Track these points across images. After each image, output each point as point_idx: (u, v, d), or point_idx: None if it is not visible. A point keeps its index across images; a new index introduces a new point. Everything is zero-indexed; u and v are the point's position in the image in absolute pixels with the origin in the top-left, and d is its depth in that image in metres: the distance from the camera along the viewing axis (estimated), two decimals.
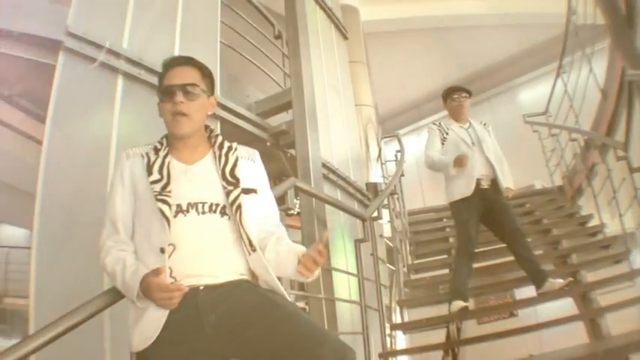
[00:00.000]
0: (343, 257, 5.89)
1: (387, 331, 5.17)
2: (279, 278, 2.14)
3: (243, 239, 2.09)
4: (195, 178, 2.16)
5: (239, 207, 2.10)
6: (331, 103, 7.25)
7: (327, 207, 5.49)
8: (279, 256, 2.15)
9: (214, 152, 2.24)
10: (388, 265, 7.32)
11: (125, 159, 2.21)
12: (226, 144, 2.28)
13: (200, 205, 2.08)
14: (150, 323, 1.93)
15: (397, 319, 5.83)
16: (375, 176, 9.58)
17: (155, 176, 2.10)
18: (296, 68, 6.17)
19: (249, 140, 5.27)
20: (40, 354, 2.13)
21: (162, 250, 1.97)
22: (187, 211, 2.06)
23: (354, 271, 5.07)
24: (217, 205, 2.10)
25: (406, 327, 5.50)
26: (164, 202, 2.03)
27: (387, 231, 7.49)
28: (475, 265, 5.17)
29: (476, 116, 5.54)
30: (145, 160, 2.16)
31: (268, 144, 6.12)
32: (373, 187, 8.45)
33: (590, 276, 5.21)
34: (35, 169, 3.47)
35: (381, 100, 12.83)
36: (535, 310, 5.33)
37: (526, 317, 5.48)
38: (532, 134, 8.86)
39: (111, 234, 2.12)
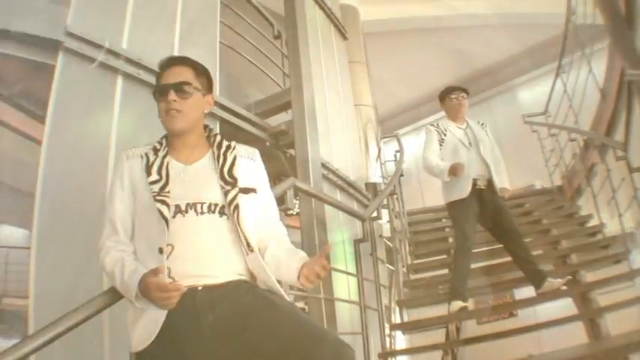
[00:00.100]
0: (343, 257, 5.89)
1: (387, 331, 5.18)
2: (278, 279, 2.14)
3: (241, 239, 2.09)
4: (194, 178, 2.16)
5: (236, 207, 2.10)
6: (331, 103, 7.25)
7: (327, 207, 5.49)
8: (280, 263, 2.15)
9: (213, 152, 2.25)
10: (387, 265, 7.32)
11: (124, 160, 2.21)
12: (225, 143, 2.29)
13: (199, 206, 2.08)
14: (149, 323, 1.93)
15: (396, 319, 5.83)
16: (375, 176, 9.58)
17: (154, 177, 2.10)
18: (295, 68, 6.17)
19: (248, 140, 5.27)
20: (40, 354, 2.12)
21: (161, 251, 1.98)
22: (186, 212, 2.06)
23: (354, 272, 5.08)
24: (216, 205, 2.11)
25: (405, 327, 5.50)
26: (163, 202, 2.03)
27: (386, 231, 7.49)
28: (474, 265, 5.17)
29: (475, 116, 5.55)
30: (145, 160, 2.16)
31: (268, 144, 6.11)
32: (372, 187, 8.45)
33: (589, 276, 5.21)
34: (35, 169, 3.47)
35: (381, 100, 12.83)
36: (534, 310, 5.34)
37: (525, 317, 5.49)
38: (531, 134, 8.87)
39: (110, 234, 2.13)
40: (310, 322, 1.99)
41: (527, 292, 5.10)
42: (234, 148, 2.28)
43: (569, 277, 4.85)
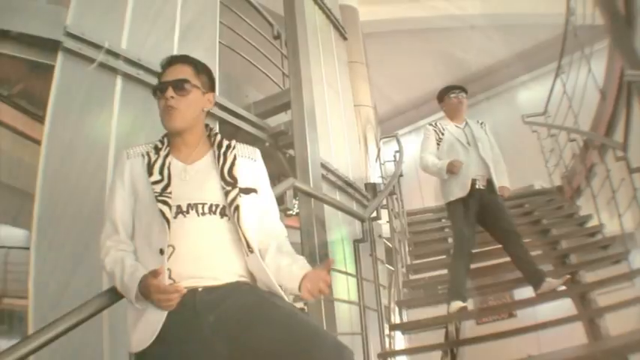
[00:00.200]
0: (342, 258, 5.89)
1: (386, 331, 5.18)
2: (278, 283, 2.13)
3: (242, 240, 2.09)
4: (195, 178, 2.15)
5: (237, 208, 2.10)
6: (330, 103, 7.26)
7: (326, 207, 5.49)
8: (280, 270, 2.13)
9: (214, 151, 2.24)
10: (387, 265, 7.32)
11: (125, 159, 2.21)
12: (225, 142, 2.28)
13: (200, 206, 2.08)
14: (149, 324, 1.93)
15: (396, 319, 5.82)
16: (374, 176, 9.58)
17: (156, 177, 2.10)
18: (295, 68, 6.17)
19: (247, 141, 5.26)
20: (39, 354, 2.12)
21: (162, 252, 1.97)
22: (187, 212, 2.06)
23: (353, 272, 5.07)
24: (217, 205, 2.10)
25: (405, 327, 5.49)
26: (165, 203, 2.03)
27: (385, 231, 7.49)
28: (474, 266, 5.17)
29: (475, 117, 5.54)
30: (146, 159, 2.16)
31: (267, 144, 6.12)
32: (372, 188, 8.46)
33: (589, 276, 5.21)
34: (34, 170, 3.47)
35: (380, 101, 12.83)
36: (534, 310, 5.33)
37: (525, 317, 5.48)
38: (531, 134, 8.87)
39: (110, 234, 2.13)
40: (310, 323, 1.98)
41: (527, 292, 5.09)
42: (234, 148, 2.27)
43: (568, 276, 4.84)
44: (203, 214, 2.08)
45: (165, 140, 2.24)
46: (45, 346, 2.10)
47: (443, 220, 7.92)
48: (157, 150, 2.20)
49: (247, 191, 2.18)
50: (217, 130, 2.34)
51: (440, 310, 5.23)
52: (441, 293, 5.70)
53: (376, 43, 13.40)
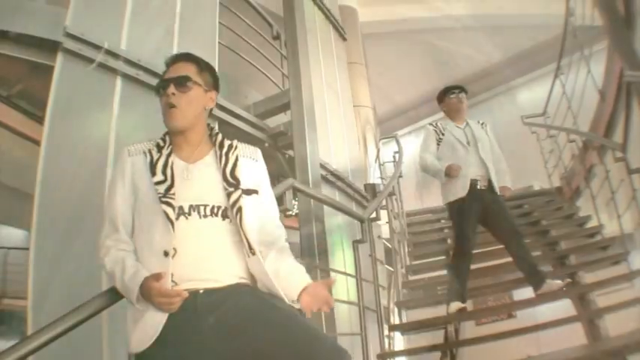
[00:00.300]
0: (341, 258, 5.89)
1: (386, 332, 5.17)
2: None
3: (243, 242, 2.08)
4: (197, 178, 2.13)
5: (239, 210, 2.08)
6: (329, 104, 7.26)
7: (326, 208, 5.50)
8: (279, 276, 2.11)
9: (215, 152, 2.22)
10: (386, 266, 7.32)
11: (127, 156, 2.18)
12: (227, 142, 2.26)
13: (202, 208, 2.06)
14: (149, 325, 1.92)
15: (395, 320, 5.83)
16: (374, 177, 9.58)
17: (159, 177, 2.07)
18: (294, 69, 6.18)
19: (247, 141, 5.28)
20: (39, 355, 2.12)
21: (166, 254, 1.96)
22: (189, 214, 2.04)
23: (353, 272, 5.07)
24: (219, 207, 2.08)
25: (404, 328, 5.50)
26: (168, 204, 2.01)
27: (385, 232, 7.49)
28: (473, 266, 5.16)
29: (474, 117, 5.53)
30: (148, 158, 2.14)
31: (266, 145, 6.12)
32: (371, 188, 8.45)
33: (588, 277, 5.21)
34: (33, 170, 3.47)
35: (380, 101, 12.84)
36: (533, 311, 5.33)
37: (524, 318, 5.48)
38: (530, 135, 8.87)
39: (110, 232, 2.10)
40: (309, 326, 1.98)
41: (526, 293, 5.09)
42: (236, 148, 2.25)
43: (569, 280, 4.84)
44: (205, 216, 2.06)
45: (167, 138, 2.22)
46: (44, 346, 2.10)
47: (442, 221, 7.93)
48: (159, 148, 2.18)
49: (249, 192, 2.16)
50: (218, 130, 2.33)
51: (439, 311, 5.23)
52: (441, 294, 5.71)
53: (376, 43, 13.42)
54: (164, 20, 4.68)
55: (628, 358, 3.66)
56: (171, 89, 2.15)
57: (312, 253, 5.38)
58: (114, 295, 2.20)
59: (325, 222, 5.64)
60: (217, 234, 2.07)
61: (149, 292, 1.88)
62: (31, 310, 3.14)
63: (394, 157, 8.53)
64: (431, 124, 5.47)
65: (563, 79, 8.24)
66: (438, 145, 5.23)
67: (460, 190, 4.98)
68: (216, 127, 2.32)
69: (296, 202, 5.49)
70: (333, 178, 6.53)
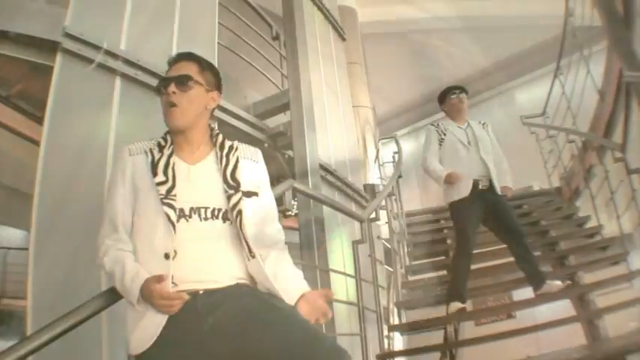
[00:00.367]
0: (341, 258, 5.89)
1: (385, 332, 5.18)
2: None
3: (243, 245, 2.07)
4: (198, 179, 2.13)
5: (239, 212, 2.07)
6: (329, 104, 7.26)
7: (325, 208, 5.49)
8: (277, 281, 2.10)
9: (216, 152, 2.21)
10: (386, 266, 7.32)
11: (128, 155, 2.17)
12: (227, 143, 2.25)
13: (203, 210, 2.06)
14: (148, 326, 1.91)
15: (395, 320, 5.83)
16: (373, 177, 9.59)
17: (161, 178, 2.06)
18: (294, 69, 6.18)
19: (246, 142, 5.28)
20: (38, 355, 2.12)
21: (167, 256, 1.96)
22: (190, 217, 2.04)
23: (352, 273, 5.07)
24: (219, 210, 2.08)
25: (404, 328, 5.49)
26: (170, 206, 2.00)
27: (384, 232, 7.49)
28: (473, 266, 5.17)
29: (473, 118, 5.53)
30: (150, 157, 2.13)
31: (266, 145, 6.12)
32: (371, 189, 8.46)
33: (587, 277, 5.21)
34: (33, 170, 3.46)
35: (379, 102, 12.84)
36: (533, 311, 5.34)
37: (524, 318, 5.48)
38: (530, 136, 8.87)
39: (110, 232, 2.09)
40: (308, 325, 1.98)
41: (526, 293, 5.10)
42: (236, 149, 2.24)
43: (569, 282, 4.85)
44: (206, 218, 2.06)
45: (168, 137, 2.21)
46: (44, 347, 2.10)
47: (442, 222, 7.93)
48: (161, 148, 2.16)
49: (249, 195, 2.16)
50: (218, 131, 2.32)
51: (439, 311, 5.23)
52: (440, 294, 5.70)
53: (375, 44, 13.41)
54: (163, 21, 4.67)
55: (627, 358, 3.66)
56: (172, 88, 2.14)
57: (312, 253, 5.38)
58: (113, 295, 2.19)
59: (325, 222, 5.64)
60: (218, 236, 2.06)
61: (150, 295, 1.88)
62: (31, 310, 3.14)
63: (393, 157, 8.54)
64: (432, 124, 5.47)
65: (563, 80, 8.24)
66: (440, 145, 5.23)
67: (463, 190, 4.98)
68: (217, 128, 2.31)
69: (295, 203, 5.50)
70: (332, 178, 6.52)
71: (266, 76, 6.89)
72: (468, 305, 5.17)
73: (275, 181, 6.15)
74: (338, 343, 1.95)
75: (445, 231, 7.53)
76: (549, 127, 8.49)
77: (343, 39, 8.95)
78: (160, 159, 2.12)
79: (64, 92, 3.68)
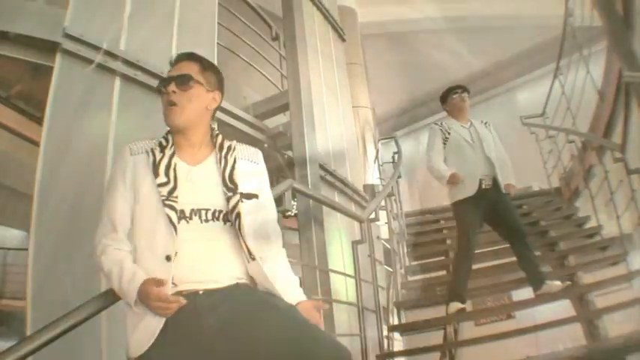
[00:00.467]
0: (340, 259, 5.89)
1: (385, 332, 5.17)
2: None
3: (243, 248, 2.07)
4: (199, 181, 2.11)
5: (238, 215, 2.06)
6: (328, 104, 7.25)
7: (325, 208, 5.49)
8: (276, 285, 2.11)
9: (216, 154, 2.20)
10: (385, 266, 7.32)
11: (129, 155, 2.16)
12: (226, 144, 2.24)
13: (203, 212, 2.05)
14: (147, 328, 1.90)
15: (394, 320, 5.83)
16: (373, 178, 9.58)
17: (162, 178, 2.05)
18: (293, 70, 6.18)
19: (246, 142, 5.28)
20: (38, 356, 2.12)
21: (169, 258, 1.95)
22: (190, 218, 2.03)
23: (352, 273, 5.07)
24: (220, 211, 2.07)
25: (403, 329, 5.50)
26: (171, 208, 1.99)
27: (384, 233, 7.49)
28: (473, 267, 5.17)
29: (473, 118, 5.53)
30: (151, 158, 2.11)
31: (266, 145, 6.12)
32: (370, 189, 8.45)
33: (587, 277, 5.22)
34: (32, 171, 3.46)
35: (379, 102, 12.84)
36: (532, 311, 5.33)
37: (523, 319, 5.48)
38: (529, 136, 8.87)
39: (108, 231, 2.07)
40: (309, 324, 1.98)
41: (525, 293, 5.10)
42: (234, 150, 2.23)
43: (569, 283, 4.84)
44: (206, 220, 2.05)
45: (169, 137, 2.20)
46: (43, 347, 2.10)
47: (441, 222, 7.94)
48: (162, 148, 2.15)
49: (249, 197, 2.14)
50: (218, 132, 2.32)
51: (438, 312, 5.23)
52: (440, 294, 5.71)
53: (375, 44, 13.41)
54: (163, 21, 4.67)
55: (627, 358, 3.67)
56: (172, 87, 2.13)
57: (311, 253, 5.38)
58: (112, 296, 2.19)
59: (324, 223, 5.63)
60: (218, 238, 2.06)
61: (146, 296, 1.87)
62: (30, 310, 3.14)
63: (393, 157, 8.54)
64: (436, 123, 5.45)
65: (563, 80, 8.25)
66: (445, 144, 5.21)
67: (468, 188, 4.97)
68: (216, 128, 2.30)
69: (295, 203, 5.49)
70: (332, 178, 6.52)
71: (265, 77, 6.89)
72: (468, 305, 5.17)
73: (275, 181, 6.16)
74: (339, 341, 1.95)
75: (444, 231, 7.54)
76: (549, 127, 8.49)
77: (343, 39, 8.94)
78: (161, 159, 2.11)
79: (63, 93, 3.68)
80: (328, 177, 6.40)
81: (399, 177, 7.33)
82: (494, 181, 5.00)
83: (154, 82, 2.30)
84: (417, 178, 14.45)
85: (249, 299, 2.01)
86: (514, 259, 5.15)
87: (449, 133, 5.21)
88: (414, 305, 5.89)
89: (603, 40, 6.85)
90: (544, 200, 8.21)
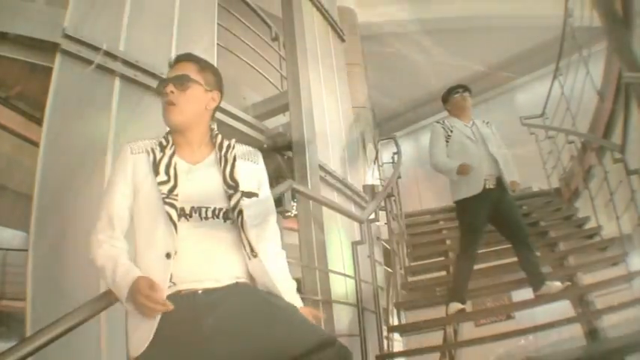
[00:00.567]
0: (340, 259, 5.89)
1: (384, 333, 5.17)
2: None
3: (244, 245, 2.07)
4: (199, 179, 2.12)
5: (240, 212, 2.07)
6: (328, 105, 7.26)
7: (324, 209, 5.49)
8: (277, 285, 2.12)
9: (216, 153, 2.21)
10: (385, 267, 7.32)
11: (129, 154, 2.16)
12: (225, 143, 2.25)
13: (203, 210, 2.05)
14: (147, 327, 1.89)
15: (394, 321, 5.83)
16: (372, 178, 9.58)
17: (162, 177, 2.06)
18: (293, 70, 6.18)
19: (245, 143, 5.29)
20: (38, 356, 2.12)
21: (169, 256, 1.95)
22: (190, 216, 2.03)
23: (351, 274, 5.07)
24: (220, 209, 2.07)
25: (403, 329, 5.50)
26: (172, 206, 1.99)
27: (384, 233, 7.49)
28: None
29: (474, 118, 5.52)
30: (151, 157, 2.12)
31: (265, 146, 6.12)
32: (370, 190, 8.45)
33: (587, 278, 5.21)
34: (32, 172, 3.47)
35: (379, 103, 12.83)
36: (532, 312, 5.33)
37: (523, 319, 5.48)
38: (529, 136, 8.87)
39: (105, 228, 2.07)
40: (309, 324, 1.99)
41: (525, 294, 5.10)
42: (233, 148, 2.24)
43: (569, 283, 4.84)
44: (206, 218, 2.05)
45: (169, 137, 2.20)
46: (43, 348, 2.10)
47: (441, 222, 7.93)
48: (162, 147, 2.16)
49: (250, 195, 2.15)
50: (217, 131, 2.32)
51: (438, 312, 5.23)
52: (439, 295, 5.70)
53: (374, 45, 13.41)
54: (162, 22, 4.67)
55: (626, 358, 3.67)
56: (170, 88, 2.14)
57: (311, 254, 5.38)
58: (112, 297, 2.19)
59: (324, 223, 5.63)
60: (218, 236, 2.06)
61: (137, 291, 1.86)
62: (30, 311, 3.14)
63: (393, 158, 8.54)
64: (438, 121, 5.43)
65: (562, 80, 8.25)
66: (447, 142, 5.19)
67: (473, 187, 4.94)
68: (216, 129, 2.31)
69: (295, 204, 5.49)
70: (331, 179, 6.52)
71: (265, 77, 6.89)
72: (468, 306, 5.17)
73: (274, 182, 6.16)
74: (340, 341, 1.95)
75: (444, 232, 7.54)
76: (549, 127, 8.49)
77: (342, 40, 8.95)
78: (161, 158, 2.11)
79: (63, 93, 3.68)
80: (328, 177, 6.40)
81: (399, 177, 7.33)
82: (498, 180, 4.99)
83: (154, 83, 2.30)
84: (417, 179, 14.46)
85: (248, 299, 2.01)
86: (514, 259, 5.15)
87: (451, 131, 5.20)
88: (414, 306, 5.88)
89: (603, 40, 6.85)
90: (544, 201, 8.21)
